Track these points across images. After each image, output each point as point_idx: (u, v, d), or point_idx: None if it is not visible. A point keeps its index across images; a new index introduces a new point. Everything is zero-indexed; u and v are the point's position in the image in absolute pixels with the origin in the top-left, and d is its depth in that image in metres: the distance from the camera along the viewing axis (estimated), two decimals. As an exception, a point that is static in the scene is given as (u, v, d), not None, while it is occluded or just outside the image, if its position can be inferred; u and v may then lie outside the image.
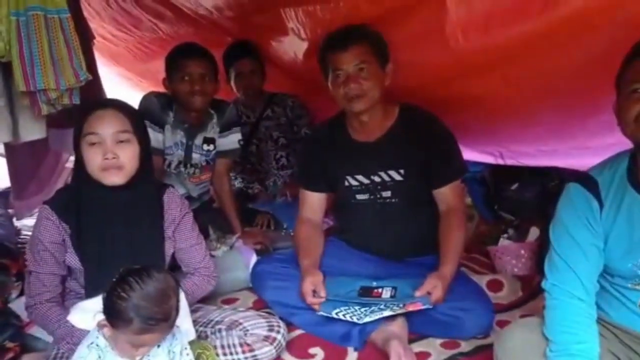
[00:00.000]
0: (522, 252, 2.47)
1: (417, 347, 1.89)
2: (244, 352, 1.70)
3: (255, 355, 1.70)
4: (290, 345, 1.88)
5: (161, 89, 2.59)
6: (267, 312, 1.99)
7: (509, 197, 2.82)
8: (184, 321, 1.53)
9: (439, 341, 1.92)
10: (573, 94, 1.78)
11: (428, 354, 1.86)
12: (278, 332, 1.77)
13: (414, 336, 1.93)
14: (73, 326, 1.60)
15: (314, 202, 2.23)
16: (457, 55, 1.82)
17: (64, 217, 1.65)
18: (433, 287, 1.85)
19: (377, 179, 2.10)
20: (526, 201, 2.76)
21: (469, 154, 2.64)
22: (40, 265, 1.66)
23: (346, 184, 2.15)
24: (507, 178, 2.84)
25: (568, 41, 1.55)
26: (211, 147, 2.65)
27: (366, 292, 1.97)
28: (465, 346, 1.89)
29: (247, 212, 3.01)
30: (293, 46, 2.54)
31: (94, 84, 2.34)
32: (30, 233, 2.20)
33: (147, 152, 1.72)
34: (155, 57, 3.43)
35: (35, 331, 1.90)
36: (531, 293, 2.25)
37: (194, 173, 2.66)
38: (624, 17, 1.38)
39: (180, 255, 1.85)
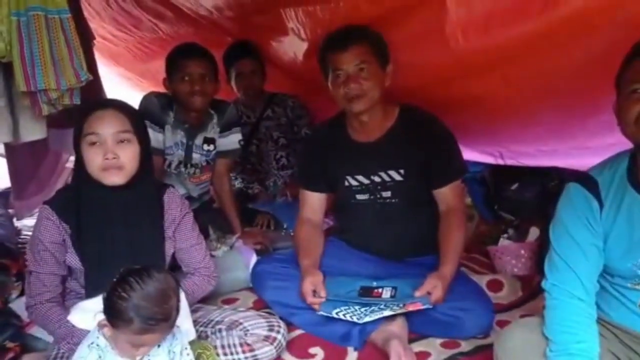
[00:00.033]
0: (522, 252, 2.47)
1: (417, 347, 1.89)
2: (244, 352, 1.70)
3: (255, 355, 1.70)
4: (290, 345, 1.88)
5: (161, 89, 2.59)
6: (267, 312, 1.99)
7: (509, 197, 2.82)
8: (184, 321, 1.54)
9: (439, 341, 1.92)
10: (573, 94, 1.78)
11: (428, 354, 1.86)
12: (278, 332, 1.77)
13: (414, 336, 1.93)
14: (73, 326, 1.60)
15: (314, 202, 2.23)
16: (457, 56, 1.82)
17: (64, 217, 1.65)
18: (433, 287, 1.85)
19: (377, 179, 2.10)
20: (526, 201, 2.76)
21: (469, 154, 2.64)
22: (40, 265, 1.66)
23: (346, 184, 2.15)
24: (507, 178, 2.84)
25: (568, 41, 1.55)
26: (211, 147, 2.65)
27: (366, 292, 1.97)
28: (465, 346, 1.89)
29: (247, 212, 3.01)
30: (293, 46, 2.54)
31: (94, 84, 2.34)
32: (30, 233, 2.21)
33: (147, 152, 1.72)
34: (156, 57, 3.44)
35: (36, 331, 1.90)
36: (531, 293, 2.26)
37: (194, 173, 2.66)
38: (624, 17, 1.38)
39: (181, 255, 1.85)
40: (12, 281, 2.26)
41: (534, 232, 2.52)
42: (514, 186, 2.81)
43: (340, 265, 2.13)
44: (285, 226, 2.93)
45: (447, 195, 2.06)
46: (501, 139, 2.47)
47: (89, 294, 1.63)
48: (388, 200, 2.11)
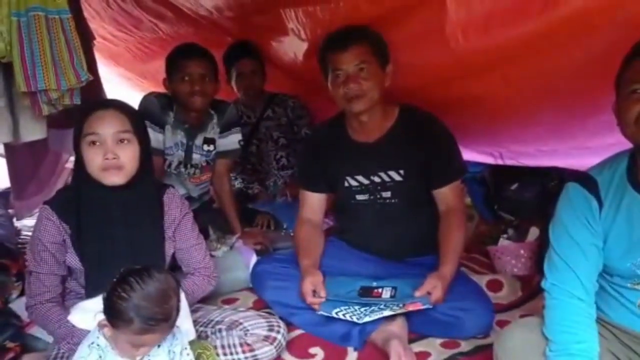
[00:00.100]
0: (522, 252, 2.47)
1: (417, 346, 1.89)
2: (244, 352, 1.70)
3: (255, 355, 1.70)
4: (290, 345, 1.88)
5: (161, 89, 2.59)
6: (267, 312, 1.99)
7: (509, 197, 2.82)
8: (184, 321, 1.54)
9: (438, 341, 1.92)
10: (573, 94, 1.78)
11: (428, 354, 1.86)
12: (278, 332, 1.77)
13: (414, 336, 1.93)
14: (73, 326, 1.60)
15: (314, 203, 2.23)
16: (457, 56, 1.82)
17: (64, 217, 1.65)
18: (433, 287, 1.85)
19: (376, 179, 2.10)
20: (526, 201, 2.76)
21: (469, 154, 2.64)
22: (40, 266, 1.66)
23: (346, 184, 2.15)
24: (507, 178, 2.84)
25: (568, 41, 1.55)
26: (211, 147, 2.65)
27: (366, 292, 1.97)
28: (465, 346, 1.89)
29: (247, 213, 3.01)
30: (293, 46, 2.54)
31: (94, 85, 2.34)
32: (30, 233, 2.21)
33: (147, 153, 1.72)
34: (156, 57, 3.44)
35: (36, 331, 1.90)
36: (531, 293, 2.26)
37: (194, 173, 2.66)
38: (624, 17, 1.38)
39: (181, 256, 1.85)
40: (12, 281, 2.26)
41: (533, 232, 2.52)
42: (514, 186, 2.81)
43: (340, 265, 2.13)
44: (285, 226, 2.93)
45: (447, 195, 2.06)
46: (501, 139, 2.47)
47: (89, 294, 1.63)
48: (388, 201, 2.11)
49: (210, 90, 2.47)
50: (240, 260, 2.42)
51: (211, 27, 3.01)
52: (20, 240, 3.01)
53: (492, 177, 2.93)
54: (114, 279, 1.34)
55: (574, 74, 1.68)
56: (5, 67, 1.93)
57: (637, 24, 1.34)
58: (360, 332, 1.88)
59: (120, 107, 1.69)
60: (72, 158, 1.85)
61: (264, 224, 3.01)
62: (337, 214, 2.39)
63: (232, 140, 2.69)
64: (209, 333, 1.78)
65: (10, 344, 1.85)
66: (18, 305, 2.06)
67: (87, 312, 1.49)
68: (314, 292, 1.94)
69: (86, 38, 2.40)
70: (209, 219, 2.55)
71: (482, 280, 2.29)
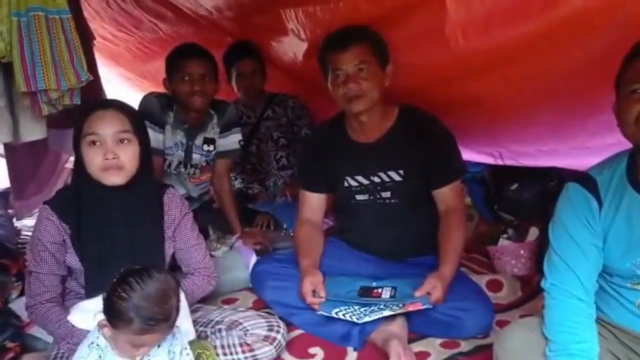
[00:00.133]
0: (522, 252, 2.47)
1: (417, 346, 1.89)
2: (243, 352, 1.70)
3: (255, 355, 1.70)
4: (290, 345, 1.89)
5: (161, 89, 2.59)
6: (267, 312, 1.99)
7: (509, 197, 2.82)
8: (184, 321, 1.54)
9: (438, 341, 1.92)
10: (573, 94, 1.78)
11: (428, 354, 1.86)
12: (278, 332, 1.77)
13: (414, 336, 1.93)
14: (73, 326, 1.60)
15: (313, 203, 2.23)
16: (457, 56, 1.82)
17: (64, 218, 1.65)
18: (433, 287, 1.85)
19: (376, 179, 2.10)
20: (526, 201, 2.76)
21: (469, 154, 2.64)
22: (40, 266, 1.66)
23: (346, 184, 2.15)
24: (507, 178, 2.84)
25: (568, 41, 1.55)
26: (211, 147, 2.65)
27: (366, 292, 1.97)
28: (465, 346, 1.89)
29: (247, 213, 3.02)
30: (293, 47, 2.54)
31: (94, 85, 2.34)
32: (30, 233, 2.21)
33: (147, 152, 1.72)
34: (156, 57, 3.44)
35: (36, 331, 1.90)
36: (531, 293, 2.26)
37: (194, 173, 2.66)
38: (624, 17, 1.38)
39: (180, 256, 1.85)
40: (12, 281, 2.26)
41: (533, 232, 2.52)
42: (514, 186, 2.81)
43: (340, 265, 2.13)
44: (285, 226, 2.93)
45: (446, 195, 2.06)
46: (501, 139, 2.47)
47: (89, 294, 1.63)
48: (388, 201, 2.11)
49: (210, 90, 2.47)
50: (240, 260, 2.42)
51: (211, 27, 3.01)
52: (20, 240, 3.01)
53: (492, 177, 2.93)
54: (114, 279, 1.34)
55: (574, 74, 1.68)
56: (5, 67, 1.93)
57: (637, 24, 1.34)
58: (360, 332, 1.88)
59: (120, 107, 1.69)
60: (72, 158, 1.85)
61: (263, 224, 3.01)
62: (337, 214, 2.39)
63: (232, 140, 2.69)
64: (208, 333, 1.78)
65: (10, 344, 1.85)
66: (18, 305, 2.06)
67: (87, 312, 1.49)
68: (314, 292, 1.94)
69: (86, 38, 2.40)
70: (209, 219, 2.55)
71: (482, 280, 2.29)
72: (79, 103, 2.00)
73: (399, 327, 1.88)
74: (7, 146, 2.82)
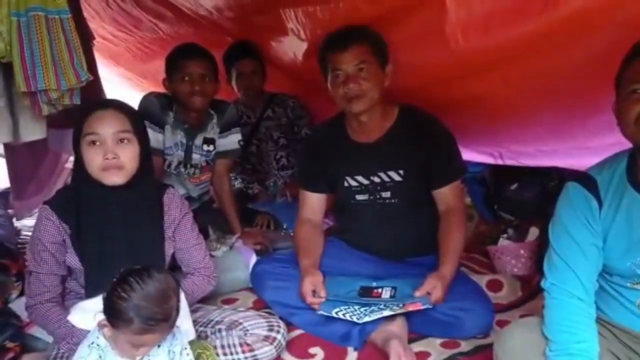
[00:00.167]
0: (522, 252, 2.47)
1: (417, 346, 1.89)
2: (244, 352, 1.70)
3: (255, 355, 1.70)
4: (290, 345, 1.88)
5: (161, 89, 2.59)
6: (267, 312, 1.99)
7: (509, 197, 2.82)
8: (184, 321, 1.54)
9: (438, 341, 1.92)
10: (573, 94, 1.78)
11: (428, 354, 1.86)
12: (278, 332, 1.77)
13: (414, 336, 1.93)
14: (73, 326, 1.60)
15: (313, 203, 2.23)
16: (457, 56, 1.82)
17: (64, 218, 1.65)
18: (433, 287, 1.85)
19: (376, 179, 2.10)
20: (526, 201, 2.76)
21: (469, 154, 2.64)
22: (40, 266, 1.66)
23: (346, 184, 2.15)
24: (507, 178, 2.84)
25: (568, 41, 1.55)
26: (211, 147, 2.65)
27: (366, 292, 1.97)
28: (465, 346, 1.89)
29: (247, 213, 3.02)
30: (293, 46, 2.54)
31: (94, 85, 2.34)
32: (30, 233, 2.21)
33: (147, 152, 1.72)
34: (156, 57, 3.44)
35: (36, 331, 1.90)
36: (531, 293, 2.26)
37: (193, 173, 2.66)
38: (624, 17, 1.38)
39: (180, 256, 1.85)
40: (12, 281, 2.26)
41: (533, 232, 2.52)
42: (514, 186, 2.81)
43: (340, 265, 2.13)
44: (285, 226, 2.93)
45: (446, 195, 2.06)
46: (501, 139, 2.47)
47: (89, 294, 1.63)
48: (388, 201, 2.11)
49: (210, 90, 2.47)
50: (240, 260, 2.42)
51: (211, 27, 3.01)
52: (20, 240, 3.01)
53: (492, 177, 2.93)
54: (114, 279, 1.34)
55: (574, 74, 1.68)
56: (5, 67, 1.93)
57: (637, 24, 1.34)
58: (360, 332, 1.88)
59: (119, 107, 1.69)
60: (72, 158, 1.85)
61: (263, 224, 3.01)
62: (337, 214, 2.39)
63: (232, 140, 2.69)
64: (208, 333, 1.78)
65: (10, 344, 1.85)
66: (18, 305, 2.06)
67: (87, 312, 1.49)
68: (314, 292, 1.94)
69: (86, 38, 2.40)
70: (209, 219, 2.55)
71: (482, 280, 2.29)
72: (79, 103, 2.00)
73: (399, 327, 1.88)
74: (7, 146, 2.82)
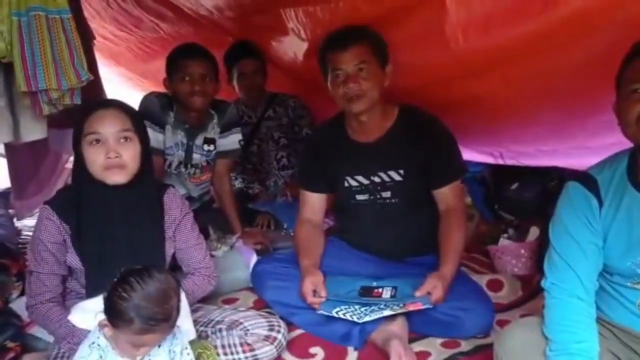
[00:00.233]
0: (522, 251, 2.47)
1: (418, 346, 1.89)
2: (244, 351, 1.70)
3: (255, 355, 1.70)
4: (290, 345, 1.89)
5: (162, 89, 2.59)
6: (267, 312, 1.99)
7: (509, 197, 2.82)
8: (185, 321, 1.54)
9: (439, 341, 1.92)
10: (573, 94, 1.78)
11: (428, 354, 1.86)
12: (278, 331, 1.77)
13: (414, 336, 1.93)
14: (74, 326, 1.60)
15: (314, 203, 2.23)
16: (457, 56, 1.82)
17: (65, 217, 1.65)
18: (433, 287, 1.85)
19: (376, 179, 2.10)
20: (526, 201, 2.77)
21: (469, 154, 2.64)
22: (41, 266, 1.66)
23: (346, 184, 2.15)
24: (507, 178, 2.84)
25: (568, 41, 1.55)
26: (211, 147, 2.65)
27: (366, 292, 1.97)
28: (465, 346, 1.89)
29: (247, 212, 3.02)
30: (293, 46, 2.54)
31: (94, 84, 2.34)
32: (30, 233, 2.21)
33: (147, 152, 1.73)
34: (156, 57, 3.44)
35: (36, 331, 1.90)
36: (531, 292, 2.26)
37: (194, 173, 2.66)
38: (624, 17, 1.38)
39: (181, 256, 1.85)
40: (12, 281, 2.26)
41: (533, 232, 2.52)
42: (514, 186, 2.82)
43: (340, 265, 2.13)
44: (285, 226, 2.93)
45: (447, 195, 2.06)
46: (501, 139, 2.47)
47: (90, 294, 1.63)
48: (388, 201, 2.11)
49: (210, 90, 2.47)
50: (240, 260, 2.42)
51: (212, 27, 3.01)
52: (20, 240, 3.01)
53: (492, 177, 2.93)
54: (115, 279, 1.34)
55: (574, 74, 1.68)
56: (5, 67, 1.93)
57: (637, 24, 1.34)
58: (361, 332, 1.88)
59: (120, 106, 1.69)
60: (72, 158, 1.85)
61: (264, 224, 3.01)
62: (337, 214, 2.39)
63: (233, 140, 2.69)
64: (209, 333, 1.78)
65: (10, 344, 1.85)
66: (18, 305, 2.06)
67: (88, 312, 1.49)
68: (314, 292, 1.94)
69: (86, 38, 2.41)
70: (209, 218, 2.55)
71: (482, 280, 2.29)
72: (80, 103, 2.00)
73: (399, 326, 1.88)
74: (7, 146, 2.83)
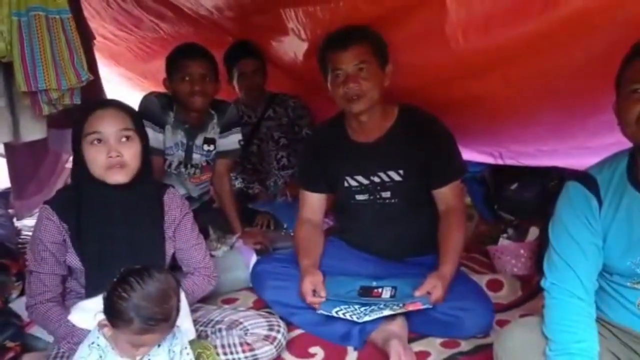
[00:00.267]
0: (522, 251, 2.47)
1: (417, 346, 1.89)
2: (244, 351, 1.70)
3: (255, 355, 1.70)
4: (290, 345, 1.89)
5: (162, 89, 2.59)
6: (267, 312, 1.99)
7: (509, 197, 2.82)
8: (184, 321, 1.54)
9: (438, 340, 1.92)
10: (573, 94, 1.78)
11: (428, 354, 1.86)
12: (278, 331, 1.77)
13: (414, 335, 1.94)
14: (74, 326, 1.60)
15: (314, 203, 2.23)
16: (457, 56, 1.82)
17: (65, 217, 1.65)
18: (433, 287, 1.85)
19: (376, 179, 2.10)
20: (526, 201, 2.77)
21: (469, 154, 2.64)
22: (40, 265, 1.66)
23: (346, 184, 2.15)
24: (507, 178, 2.84)
25: (568, 41, 1.55)
26: (211, 147, 2.65)
27: (366, 291, 1.97)
28: (465, 345, 1.89)
29: (247, 212, 3.02)
30: (293, 46, 2.54)
31: (94, 84, 2.34)
32: (30, 233, 2.21)
33: (147, 152, 1.73)
34: (157, 57, 3.44)
35: (36, 331, 1.90)
36: (531, 292, 2.26)
37: (194, 173, 2.66)
38: (624, 17, 1.38)
39: (181, 255, 1.85)
40: (12, 281, 2.26)
41: (533, 232, 2.52)
42: (514, 186, 2.82)
43: (340, 265, 2.13)
44: (285, 226, 2.93)
45: (446, 195, 2.06)
46: (501, 139, 2.47)
47: (89, 294, 1.63)
48: (388, 201, 2.11)
49: (210, 90, 2.47)
50: (240, 260, 2.42)
51: (212, 27, 3.01)
52: (20, 240, 3.01)
53: (492, 177, 2.93)
54: (114, 279, 1.34)
55: (574, 74, 1.68)
56: (5, 67, 1.93)
57: (637, 24, 1.34)
58: (360, 332, 1.88)
59: (119, 105, 1.70)
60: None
61: (264, 224, 3.01)
62: (337, 214, 2.39)
63: (232, 140, 2.69)
64: (209, 332, 1.79)
65: (10, 344, 1.85)
66: (18, 305, 2.06)
67: (87, 312, 1.49)
68: (314, 291, 1.94)
69: (86, 38, 2.40)
70: (209, 218, 2.55)
71: (482, 280, 2.29)
72: (79, 103, 2.00)
73: (399, 326, 1.88)
74: (7, 146, 2.83)
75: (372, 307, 1.87)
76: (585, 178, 1.39)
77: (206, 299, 1.97)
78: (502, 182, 2.87)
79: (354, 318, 1.84)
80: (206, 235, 2.25)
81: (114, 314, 1.32)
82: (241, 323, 1.78)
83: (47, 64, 1.86)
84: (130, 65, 3.94)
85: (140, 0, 3.10)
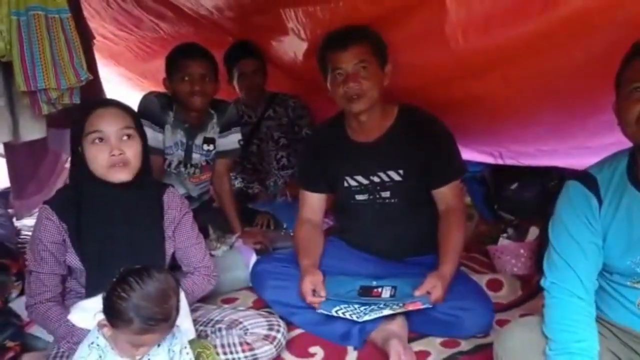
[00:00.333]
0: (522, 251, 2.47)
1: (417, 346, 1.89)
2: (244, 351, 1.70)
3: (255, 355, 1.70)
4: (290, 345, 1.89)
5: (162, 89, 2.59)
6: (267, 312, 1.99)
7: (509, 196, 2.83)
8: (184, 320, 1.54)
9: (438, 340, 1.92)
10: (573, 94, 1.78)
11: (428, 353, 1.86)
12: (278, 331, 1.77)
13: (414, 335, 1.94)
14: (73, 325, 1.60)
15: (313, 203, 2.23)
16: (457, 56, 1.82)
17: (64, 217, 1.65)
18: (433, 287, 1.85)
19: (376, 179, 2.10)
20: (526, 201, 2.77)
21: (469, 154, 2.64)
22: (40, 265, 1.66)
23: (345, 184, 2.15)
24: (507, 178, 2.84)
25: (568, 41, 1.55)
26: (211, 147, 2.65)
27: (366, 291, 1.97)
28: (465, 345, 1.89)
29: (247, 212, 3.01)
30: (293, 46, 2.54)
31: (94, 84, 2.34)
32: (30, 233, 2.21)
33: (147, 151, 1.73)
34: (156, 56, 3.44)
35: (36, 330, 1.90)
36: (531, 292, 2.26)
37: (194, 173, 2.66)
38: (624, 17, 1.38)
39: (180, 255, 1.85)
40: (12, 281, 2.26)
41: (533, 232, 2.53)
42: (514, 186, 2.82)
43: (340, 265, 2.13)
44: (285, 226, 2.93)
45: (446, 195, 2.06)
46: (501, 139, 2.47)
47: (89, 294, 1.63)
48: (387, 201, 2.11)
49: (210, 90, 2.47)
50: (240, 260, 2.42)
51: (212, 27, 3.01)
52: (20, 240, 3.01)
53: (492, 176, 2.93)
54: (114, 279, 1.34)
55: (574, 74, 1.68)
56: (4, 67, 1.93)
57: (637, 24, 1.34)
58: (360, 331, 1.88)
59: (119, 104, 1.70)
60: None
61: (263, 223, 3.01)
62: (337, 214, 2.39)
63: (232, 140, 2.69)
64: (208, 332, 1.78)
65: (10, 343, 1.85)
66: (18, 305, 2.06)
67: (87, 312, 1.49)
68: (314, 291, 1.94)
69: (86, 37, 2.40)
70: (209, 218, 2.55)
71: (482, 280, 2.30)
72: (79, 102, 2.00)
73: (399, 326, 1.88)
74: (7, 146, 2.82)
75: (372, 306, 1.87)
76: (585, 177, 1.39)
77: (206, 299, 1.97)
78: (502, 182, 2.87)
79: (354, 317, 1.84)
80: (206, 235, 2.25)
81: (113, 314, 1.32)
82: (241, 323, 1.78)
83: (46, 64, 1.86)
84: (130, 65, 3.94)
85: (140, 0, 3.10)
